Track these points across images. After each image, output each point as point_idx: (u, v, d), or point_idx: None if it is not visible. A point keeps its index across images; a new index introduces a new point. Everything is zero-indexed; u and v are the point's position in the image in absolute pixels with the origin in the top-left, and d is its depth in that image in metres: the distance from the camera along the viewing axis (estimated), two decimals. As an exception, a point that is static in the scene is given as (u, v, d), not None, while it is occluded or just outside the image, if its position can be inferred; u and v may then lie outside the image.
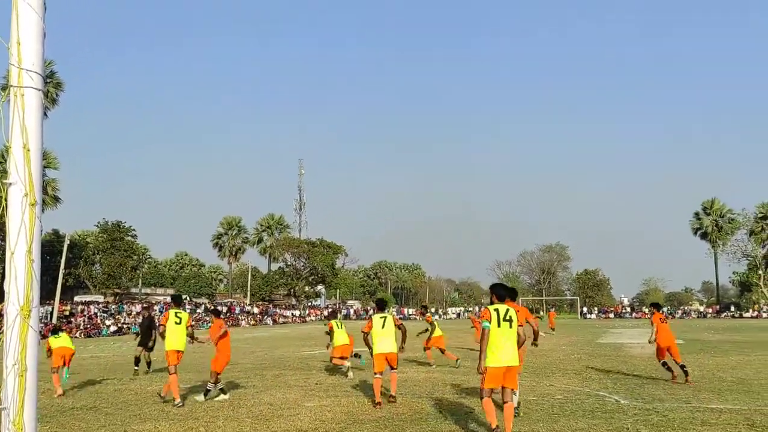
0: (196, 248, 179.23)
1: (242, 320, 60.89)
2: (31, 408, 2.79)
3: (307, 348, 25.31)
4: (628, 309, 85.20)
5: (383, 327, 10.59)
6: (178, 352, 11.12)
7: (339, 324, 15.60)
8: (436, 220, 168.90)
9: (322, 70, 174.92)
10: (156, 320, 16.38)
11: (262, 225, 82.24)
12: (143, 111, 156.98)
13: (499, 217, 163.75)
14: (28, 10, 2.88)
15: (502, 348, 7.34)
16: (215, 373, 11.25)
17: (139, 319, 45.02)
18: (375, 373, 10.46)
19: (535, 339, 10.60)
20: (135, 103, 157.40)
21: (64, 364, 13.13)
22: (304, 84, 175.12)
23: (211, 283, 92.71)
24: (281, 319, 67.31)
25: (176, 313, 11.38)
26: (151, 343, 16.70)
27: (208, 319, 52.04)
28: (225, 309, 57.81)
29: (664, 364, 13.16)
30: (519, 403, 9.48)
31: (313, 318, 69.31)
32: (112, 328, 45.59)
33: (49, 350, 13.01)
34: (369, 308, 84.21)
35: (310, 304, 79.41)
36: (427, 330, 17.59)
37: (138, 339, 17.42)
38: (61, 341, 13.26)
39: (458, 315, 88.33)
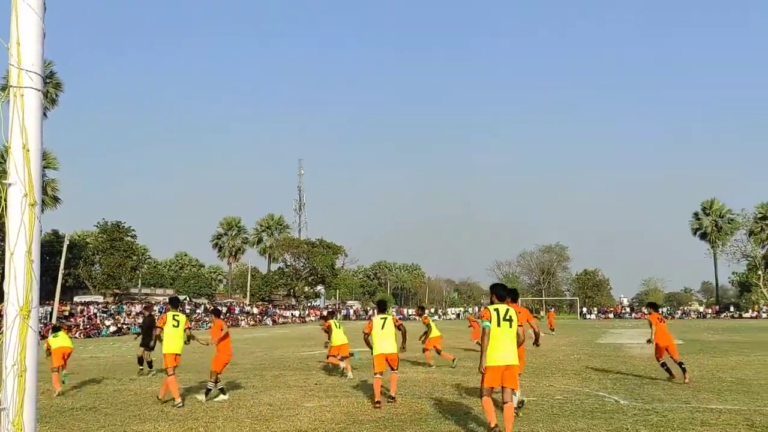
0: (196, 248, 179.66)
1: (242, 321, 60.88)
2: (31, 408, 2.79)
3: (307, 348, 25.31)
4: (628, 309, 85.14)
5: (383, 328, 10.65)
6: (176, 355, 11.12)
7: (337, 324, 15.86)
8: (435, 220, 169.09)
9: (322, 70, 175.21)
10: (156, 320, 16.41)
11: (261, 225, 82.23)
12: (143, 111, 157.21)
13: (499, 217, 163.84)
14: (27, 10, 2.88)
15: (502, 347, 7.39)
16: (215, 372, 11.26)
17: (139, 320, 45.19)
18: (375, 374, 10.50)
19: (537, 340, 10.65)
20: (135, 103, 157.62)
21: (64, 364, 13.17)
22: (304, 84, 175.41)
23: (210, 283, 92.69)
24: (281, 320, 67.32)
25: (174, 316, 11.37)
26: (152, 343, 16.71)
27: (207, 319, 52.26)
28: (225, 309, 57.79)
29: (663, 364, 13.18)
30: (523, 402, 9.51)
31: (313, 318, 69.18)
32: (112, 329, 45.58)
33: (49, 350, 13.04)
34: (369, 308, 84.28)
35: (309, 304, 79.37)
36: (426, 333, 17.57)
37: (140, 339, 17.45)
38: (59, 340, 13.31)
39: (458, 315, 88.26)
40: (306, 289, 77.69)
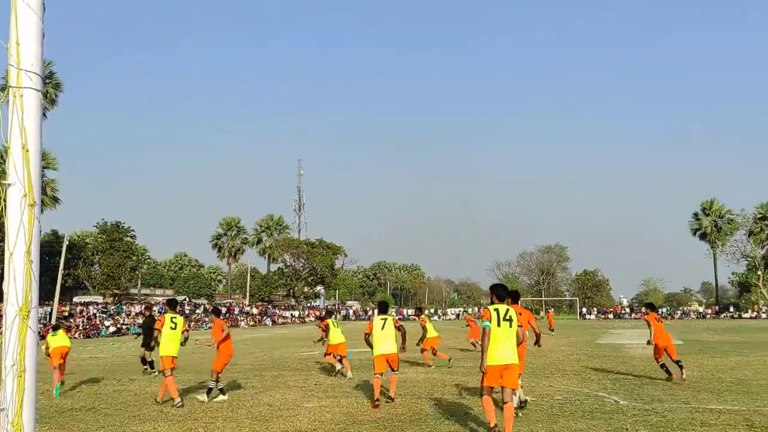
0: (195, 249, 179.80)
1: (241, 321, 60.88)
2: (30, 409, 2.79)
3: (307, 349, 25.29)
4: (628, 310, 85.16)
5: (383, 329, 10.70)
6: (173, 357, 11.12)
7: (335, 323, 15.97)
8: (435, 220, 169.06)
9: (321, 71, 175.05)
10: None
11: (261, 225, 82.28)
12: (142, 111, 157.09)
13: (498, 218, 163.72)
14: (27, 10, 2.88)
15: (502, 347, 7.44)
16: (215, 372, 11.28)
17: (138, 320, 45.21)
18: (375, 374, 10.54)
19: (538, 340, 10.69)
20: (134, 103, 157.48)
21: (63, 365, 13.20)
22: (304, 84, 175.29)
23: (210, 283, 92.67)
24: (280, 320, 67.35)
25: (172, 318, 11.36)
26: (153, 343, 16.74)
27: (207, 319, 52.26)
28: (224, 310, 57.79)
29: (663, 365, 13.18)
30: (526, 401, 9.53)
31: (313, 319, 69.24)
32: (111, 329, 45.57)
33: (47, 348, 13.09)
34: (368, 309, 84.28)
35: (309, 304, 79.38)
36: (422, 336, 17.42)
37: (141, 340, 17.50)
38: (58, 339, 13.37)
39: (457, 316, 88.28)
40: (305, 289, 77.68)
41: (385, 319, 10.83)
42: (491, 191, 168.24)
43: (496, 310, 7.57)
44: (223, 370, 11.63)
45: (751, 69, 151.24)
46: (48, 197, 48.62)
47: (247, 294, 76.59)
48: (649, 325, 13.32)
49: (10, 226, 2.80)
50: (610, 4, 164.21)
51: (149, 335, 16.84)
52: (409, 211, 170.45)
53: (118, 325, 46.98)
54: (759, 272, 64.06)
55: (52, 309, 41.15)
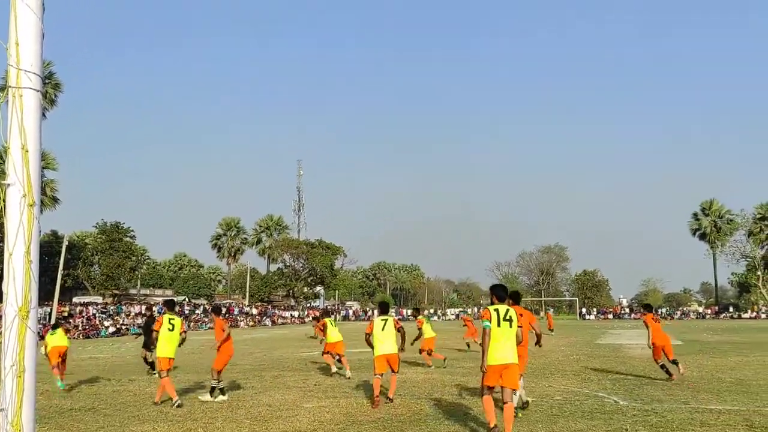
0: (195, 249, 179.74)
1: (241, 321, 60.87)
2: (30, 409, 2.79)
3: (306, 349, 25.30)
4: (627, 310, 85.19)
5: (383, 329, 10.73)
6: (170, 359, 11.12)
7: (333, 322, 16.07)
8: (435, 220, 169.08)
9: (321, 71, 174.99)
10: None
11: (260, 226, 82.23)
12: (142, 111, 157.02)
13: (498, 218, 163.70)
14: (26, 10, 2.88)
15: (501, 347, 7.47)
16: (215, 371, 11.29)
17: (138, 320, 45.20)
18: (375, 374, 10.55)
19: (539, 340, 10.71)
20: (134, 103, 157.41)
21: (62, 362, 13.23)
22: (304, 84, 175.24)
23: (209, 284, 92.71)
24: (280, 320, 67.34)
25: (170, 319, 11.33)
26: (152, 344, 16.77)
27: (207, 319, 52.24)
28: (224, 310, 57.75)
29: (663, 366, 13.19)
30: (527, 402, 9.52)
31: (312, 319, 69.34)
32: (111, 329, 45.56)
33: (46, 348, 13.12)
34: (368, 309, 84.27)
35: (309, 305, 79.36)
36: (417, 337, 17.25)
37: (142, 340, 17.51)
38: (56, 338, 13.40)
39: (457, 316, 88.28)
40: (305, 289, 77.68)
41: (386, 320, 10.84)
42: (491, 191, 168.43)
43: (496, 310, 7.60)
44: (223, 370, 11.63)
45: (751, 69, 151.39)
46: (47, 197, 48.59)
47: (247, 294, 76.56)
48: (647, 326, 13.33)
49: (10, 226, 2.80)
50: (610, 4, 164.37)
51: (149, 336, 16.86)
52: (409, 211, 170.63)
53: (118, 326, 46.96)
54: (758, 272, 64.09)
55: (51, 309, 41.13)
